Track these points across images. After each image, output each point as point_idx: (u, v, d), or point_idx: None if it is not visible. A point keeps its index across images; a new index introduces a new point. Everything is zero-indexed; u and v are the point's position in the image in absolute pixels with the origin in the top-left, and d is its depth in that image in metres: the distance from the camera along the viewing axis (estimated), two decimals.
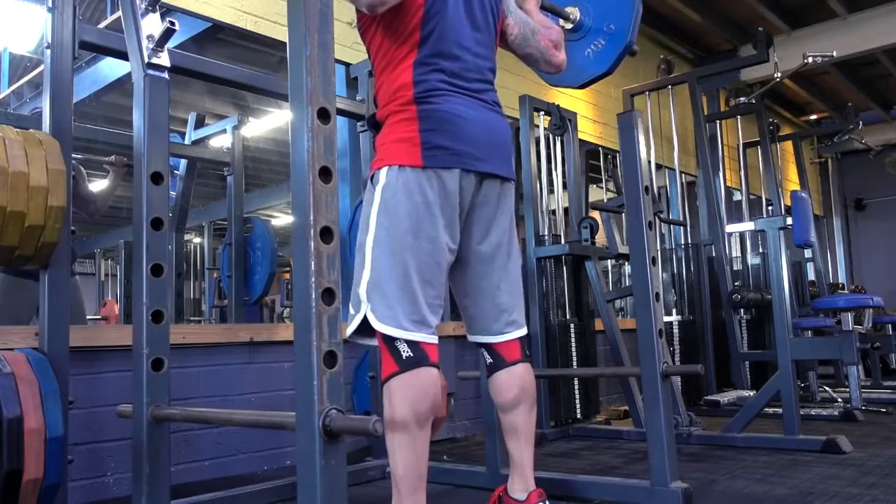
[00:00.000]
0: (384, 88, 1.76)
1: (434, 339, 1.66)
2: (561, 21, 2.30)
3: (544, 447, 3.28)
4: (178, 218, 4.29)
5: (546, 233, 3.81)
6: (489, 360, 1.89)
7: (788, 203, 4.12)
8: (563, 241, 3.88)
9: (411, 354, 1.60)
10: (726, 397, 4.04)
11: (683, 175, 5.59)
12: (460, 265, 1.82)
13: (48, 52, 2.04)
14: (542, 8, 2.17)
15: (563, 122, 3.94)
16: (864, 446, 2.97)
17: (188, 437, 2.61)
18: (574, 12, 2.28)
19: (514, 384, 1.88)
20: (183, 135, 4.65)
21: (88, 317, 7.45)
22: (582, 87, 2.37)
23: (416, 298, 1.63)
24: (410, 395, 1.57)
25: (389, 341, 1.61)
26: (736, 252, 5.59)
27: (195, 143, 4.49)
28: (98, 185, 3.63)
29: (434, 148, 1.67)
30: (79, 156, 3.49)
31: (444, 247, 1.70)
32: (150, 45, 1.92)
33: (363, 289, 1.66)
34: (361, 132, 3.14)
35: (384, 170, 1.68)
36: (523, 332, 1.90)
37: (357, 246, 1.73)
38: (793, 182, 7.34)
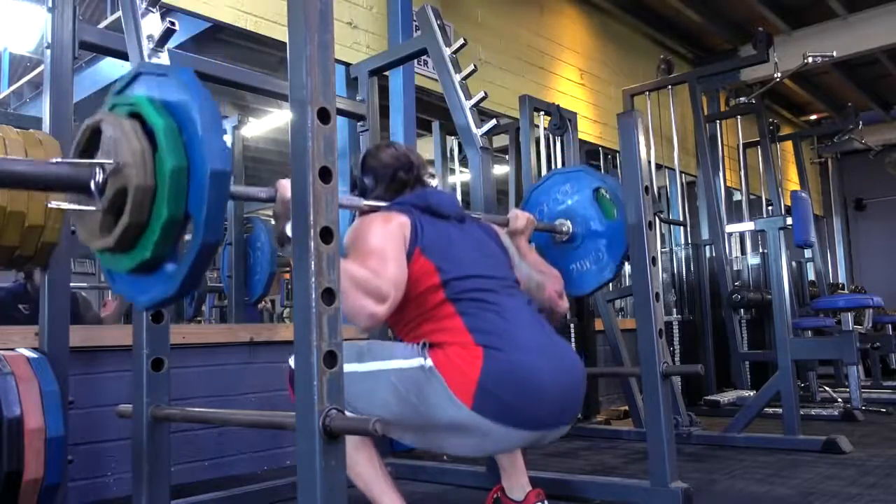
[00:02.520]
0: (434, 337, 1.64)
1: None
2: (554, 235, 2.36)
3: (544, 447, 3.28)
4: None
5: None
6: None
7: (788, 203, 4.12)
8: None
9: None
10: (726, 397, 4.04)
11: (683, 175, 5.59)
12: None
13: (48, 52, 2.04)
14: (536, 229, 2.20)
15: (563, 122, 3.94)
16: (864, 446, 2.97)
17: (188, 437, 2.61)
18: (566, 225, 2.35)
19: None
20: None
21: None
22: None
23: None
24: None
25: None
26: (736, 252, 5.59)
27: None
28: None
29: (507, 406, 1.56)
30: (84, 285, 3.50)
31: None
32: (150, 45, 1.91)
33: None
34: (361, 132, 3.14)
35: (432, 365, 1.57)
36: None
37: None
38: (793, 182, 7.34)
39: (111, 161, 1.10)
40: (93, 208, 1.14)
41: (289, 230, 1.42)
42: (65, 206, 1.17)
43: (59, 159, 1.17)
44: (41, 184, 1.13)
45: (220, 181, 1.06)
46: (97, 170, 1.12)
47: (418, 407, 1.58)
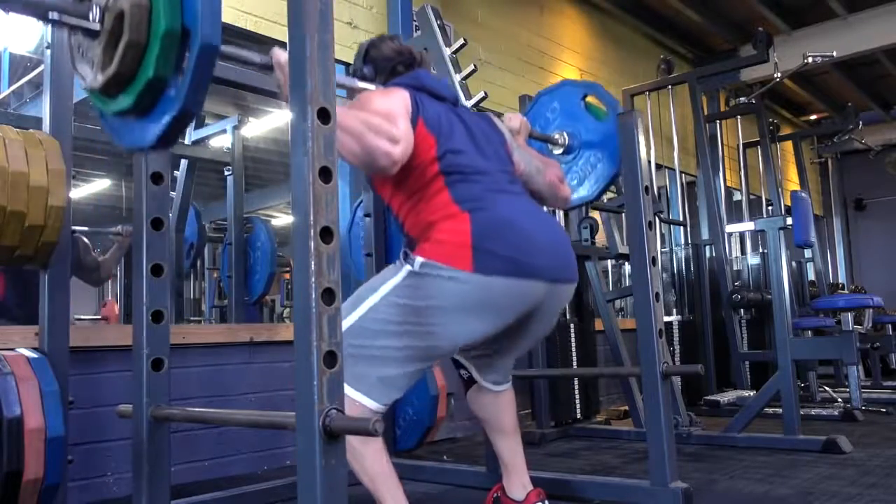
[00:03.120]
0: (423, 215, 1.68)
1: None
2: (550, 146, 2.33)
3: (544, 447, 3.28)
4: (177, 218, 4.29)
5: None
6: (468, 375, 1.93)
7: (788, 203, 4.12)
8: None
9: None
10: (726, 397, 4.04)
11: (683, 175, 5.59)
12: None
13: (48, 52, 2.04)
14: (532, 137, 2.18)
15: None
16: (864, 446, 2.97)
17: (188, 437, 2.61)
18: (562, 136, 2.33)
19: (501, 397, 1.95)
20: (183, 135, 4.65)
21: (89, 317, 7.46)
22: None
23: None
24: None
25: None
26: (736, 252, 5.58)
27: (195, 143, 4.48)
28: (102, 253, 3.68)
29: (504, 258, 1.59)
30: (84, 228, 3.54)
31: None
32: None
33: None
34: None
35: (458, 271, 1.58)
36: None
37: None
38: (793, 182, 7.35)
39: None
40: (93, 29, 1.19)
41: None
42: (66, 20, 1.21)
43: None
44: (42, 6, 1.19)
45: None
46: (94, 5, 1.19)
47: (422, 308, 1.57)
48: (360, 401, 1.56)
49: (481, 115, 1.93)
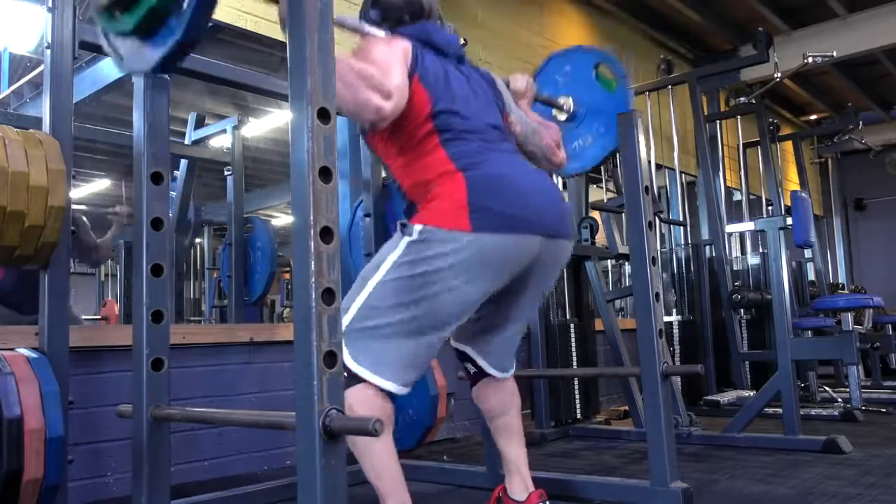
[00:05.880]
0: (417, 175, 1.69)
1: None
2: (555, 111, 2.31)
3: (544, 447, 3.28)
4: (178, 218, 4.29)
5: None
6: (474, 369, 1.92)
7: (788, 203, 4.12)
8: None
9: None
10: (726, 397, 4.04)
11: (683, 175, 5.59)
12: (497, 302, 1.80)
13: (48, 52, 2.04)
14: (536, 100, 2.17)
15: None
16: (864, 446, 2.97)
17: (188, 437, 2.61)
18: (567, 102, 2.31)
19: (506, 389, 1.92)
20: (183, 135, 4.64)
21: (89, 317, 7.45)
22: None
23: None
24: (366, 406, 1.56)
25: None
26: (736, 252, 5.58)
27: (195, 143, 4.48)
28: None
29: (499, 215, 1.61)
30: (83, 207, 3.56)
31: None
32: None
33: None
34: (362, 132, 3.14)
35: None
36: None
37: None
38: (793, 182, 7.35)
39: None
40: None
41: None
42: None
43: None
44: None
45: None
46: None
47: (427, 275, 1.57)
48: (380, 384, 1.56)
49: (483, 73, 1.91)
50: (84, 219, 3.45)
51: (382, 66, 1.58)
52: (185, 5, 1.14)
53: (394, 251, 1.62)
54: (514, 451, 1.92)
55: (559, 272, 1.87)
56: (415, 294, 1.58)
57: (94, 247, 3.43)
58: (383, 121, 1.56)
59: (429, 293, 1.58)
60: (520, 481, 1.89)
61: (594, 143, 2.28)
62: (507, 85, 2.02)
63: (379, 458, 1.58)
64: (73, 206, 1.98)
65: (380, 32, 1.80)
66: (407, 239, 1.60)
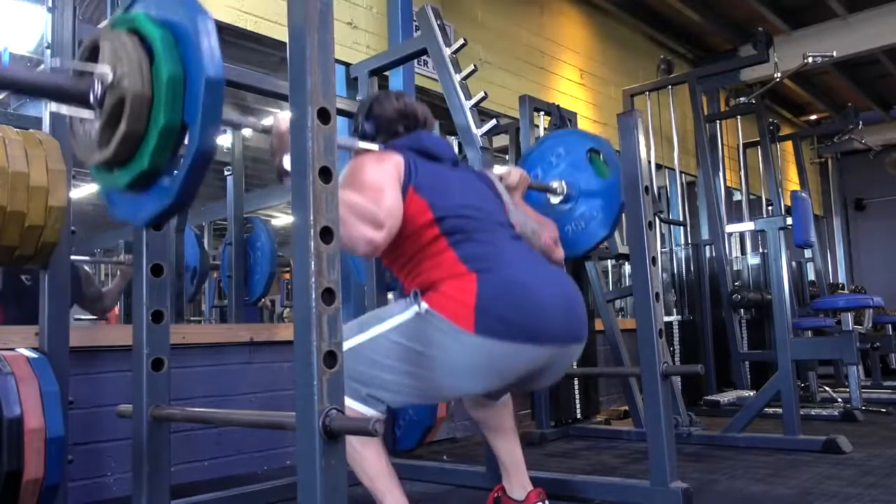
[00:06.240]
0: (424, 276, 1.66)
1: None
2: (548, 195, 2.34)
3: (544, 447, 3.28)
4: (177, 218, 4.28)
5: None
6: None
7: (788, 203, 4.12)
8: None
9: None
10: (726, 397, 4.04)
11: (683, 175, 5.59)
12: None
13: (48, 52, 2.04)
14: (531, 187, 2.19)
15: (563, 122, 3.93)
16: (864, 446, 2.97)
17: (188, 437, 2.61)
18: (561, 186, 2.34)
19: (496, 402, 1.94)
20: None
21: (88, 317, 7.43)
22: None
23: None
24: None
25: None
26: (736, 252, 5.58)
27: None
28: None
29: (507, 322, 1.57)
30: (86, 258, 3.54)
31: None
32: None
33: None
34: None
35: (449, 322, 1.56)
36: None
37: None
38: (793, 182, 7.34)
39: (109, 71, 1.14)
40: (91, 117, 1.17)
41: (286, 163, 1.43)
42: (64, 110, 1.20)
43: (60, 63, 1.23)
44: (42, 92, 1.18)
45: (215, 89, 1.09)
46: (96, 81, 1.16)
47: (423, 354, 1.57)
48: (356, 409, 1.58)
49: (479, 175, 1.93)
50: (85, 268, 3.42)
51: (374, 190, 1.58)
52: (178, 170, 1.13)
53: (401, 314, 1.62)
54: (510, 450, 1.92)
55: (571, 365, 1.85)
56: (415, 368, 1.59)
57: (99, 297, 3.41)
58: (376, 250, 1.56)
59: (420, 372, 1.59)
60: (517, 480, 1.90)
61: (587, 229, 2.32)
62: (501, 179, 2.05)
63: (370, 463, 1.62)
64: (75, 258, 1.99)
65: (373, 146, 1.81)
66: (415, 309, 1.59)
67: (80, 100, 1.16)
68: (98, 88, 1.15)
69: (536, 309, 1.60)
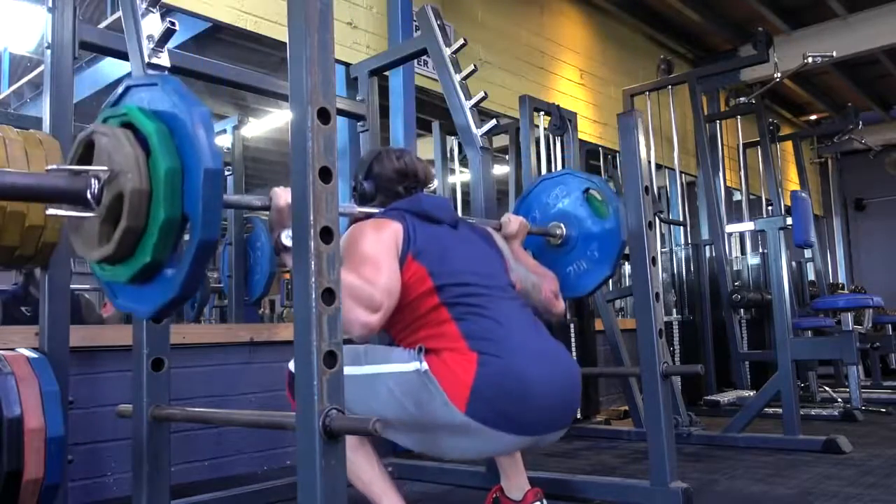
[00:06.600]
0: (423, 343, 1.64)
1: None
2: (548, 238, 2.34)
3: (542, 448, 3.28)
4: None
5: None
6: None
7: (788, 203, 4.12)
8: None
9: None
10: (726, 397, 4.04)
11: (683, 175, 5.59)
12: None
13: (48, 52, 2.04)
14: (530, 233, 2.19)
15: (563, 122, 3.94)
16: (864, 446, 2.97)
17: (188, 437, 2.61)
18: (560, 228, 2.34)
19: None
20: None
21: None
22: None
23: None
24: None
25: None
26: (736, 252, 5.58)
27: None
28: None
29: (498, 413, 1.57)
30: (87, 287, 3.54)
31: None
32: (151, 45, 1.91)
33: None
34: (361, 132, 3.14)
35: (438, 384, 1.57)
36: None
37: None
38: (793, 182, 7.34)
39: (106, 169, 1.12)
40: (90, 214, 1.15)
41: (284, 239, 1.43)
42: (62, 213, 1.17)
43: (56, 166, 1.19)
44: (37, 196, 1.16)
45: (214, 179, 1.07)
46: (93, 179, 1.14)
47: (414, 411, 1.58)
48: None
49: (480, 233, 1.93)
50: (86, 296, 3.43)
51: (371, 266, 1.58)
52: (182, 259, 1.11)
53: (403, 364, 1.61)
54: None
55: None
56: (402, 410, 1.59)
57: (101, 323, 3.43)
58: (371, 332, 1.56)
59: (409, 426, 1.61)
60: (515, 481, 1.90)
61: (588, 271, 2.31)
62: (501, 227, 2.06)
63: (362, 468, 1.63)
64: (74, 287, 1.97)
65: (372, 210, 1.81)
66: (417, 365, 1.59)
67: (78, 200, 1.14)
68: (95, 187, 1.13)
69: (531, 405, 1.60)
